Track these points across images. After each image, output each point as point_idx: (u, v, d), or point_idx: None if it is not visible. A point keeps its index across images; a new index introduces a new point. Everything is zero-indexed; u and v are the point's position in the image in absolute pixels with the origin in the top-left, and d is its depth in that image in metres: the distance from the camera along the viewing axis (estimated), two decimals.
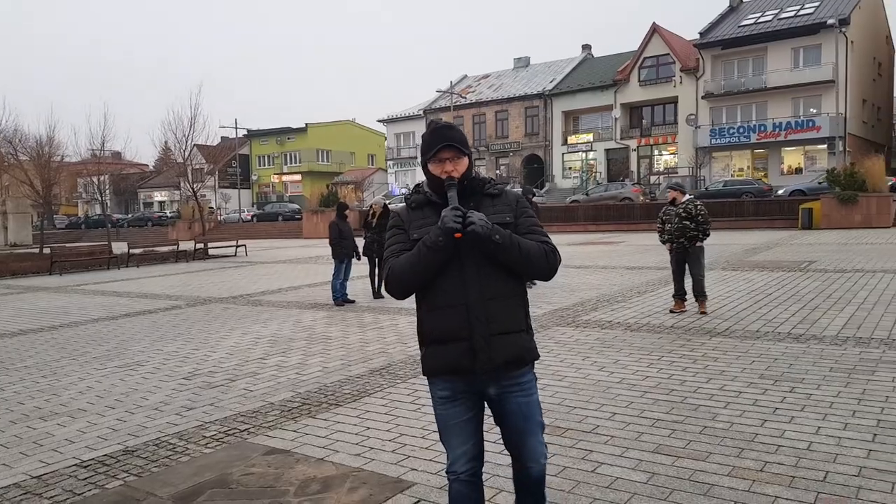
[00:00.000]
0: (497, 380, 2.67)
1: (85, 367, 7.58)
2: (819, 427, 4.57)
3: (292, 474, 4.22)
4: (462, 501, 2.78)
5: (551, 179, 49.43)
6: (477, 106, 53.52)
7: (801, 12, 40.11)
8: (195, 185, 41.49)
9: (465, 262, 2.59)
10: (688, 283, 9.18)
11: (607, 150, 47.78)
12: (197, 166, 46.76)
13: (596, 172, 47.92)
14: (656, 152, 46.45)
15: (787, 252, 16.98)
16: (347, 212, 12.40)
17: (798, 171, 39.69)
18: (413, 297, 2.74)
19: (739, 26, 41.70)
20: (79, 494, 4.10)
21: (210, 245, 26.70)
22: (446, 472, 2.80)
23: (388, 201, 31.69)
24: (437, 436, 4.67)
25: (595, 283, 12.61)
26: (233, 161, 61.98)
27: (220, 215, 53.79)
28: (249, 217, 53.04)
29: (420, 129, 57.01)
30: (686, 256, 9.08)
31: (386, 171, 61.96)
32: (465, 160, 2.69)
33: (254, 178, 71.44)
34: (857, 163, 27.98)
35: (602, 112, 47.82)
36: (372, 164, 70.42)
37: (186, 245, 26.32)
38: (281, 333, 9.09)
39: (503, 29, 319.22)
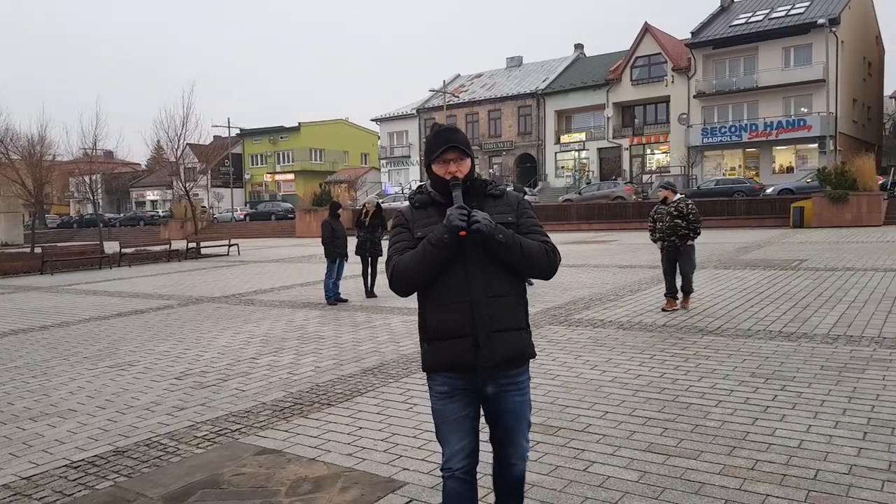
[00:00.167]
0: (495, 378, 2.72)
1: (76, 367, 7.54)
2: (810, 425, 4.58)
3: (284, 474, 4.21)
4: (457, 499, 2.79)
5: (544, 178, 49.50)
6: (470, 105, 53.51)
7: (792, 12, 40.28)
8: (187, 185, 41.42)
9: (469, 260, 2.66)
10: (678, 281, 9.27)
11: (600, 150, 47.87)
12: (189, 165, 46.65)
13: (588, 171, 48.02)
14: (648, 151, 46.56)
15: (778, 251, 17.05)
16: (340, 211, 12.37)
17: (790, 170, 39.87)
18: (410, 296, 2.79)
19: (730, 26, 41.84)
20: (69, 495, 4.07)
21: (202, 244, 26.60)
22: (441, 470, 2.82)
23: (381, 200, 31.64)
24: (429, 435, 4.69)
25: (587, 281, 12.62)
26: (225, 160, 61.77)
27: (213, 214, 53.60)
28: (242, 216, 52.87)
29: (413, 128, 57.03)
30: (677, 255, 9.16)
31: (379, 170, 61.86)
32: (468, 161, 2.77)
33: (246, 177, 71.21)
34: (848, 162, 28.10)
35: (594, 111, 47.91)
36: (365, 164, 70.30)
37: (179, 244, 26.21)
38: (273, 333, 9.07)
39: (495, 29, 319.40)
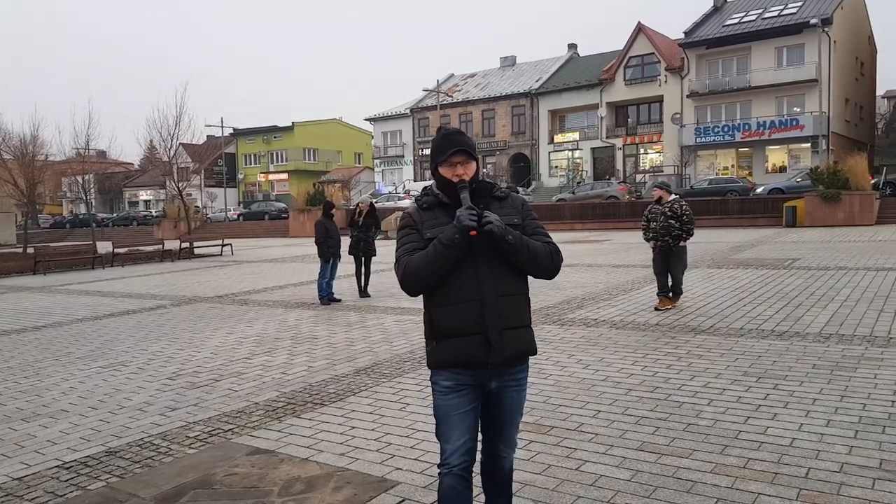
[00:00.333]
0: (500, 374, 2.81)
1: (68, 367, 7.51)
2: (801, 424, 4.60)
3: (276, 474, 4.20)
4: (454, 496, 2.83)
5: (538, 178, 49.54)
6: (463, 105, 53.53)
7: (785, 12, 40.40)
8: (181, 184, 41.32)
9: (479, 260, 2.73)
10: (670, 281, 9.34)
11: (593, 149, 47.96)
12: (182, 165, 46.51)
13: (582, 171, 48.09)
14: (642, 151, 46.68)
15: (771, 250, 17.11)
16: (334, 211, 12.36)
17: (782, 169, 39.98)
18: (408, 296, 2.88)
19: (724, 26, 41.95)
20: (61, 496, 4.06)
21: (196, 244, 26.52)
22: (439, 466, 2.85)
23: (374, 200, 31.67)
24: (422, 435, 4.69)
25: (581, 281, 12.64)
26: (219, 160, 61.63)
27: (206, 214, 53.47)
28: (235, 216, 52.69)
29: (407, 128, 57.01)
30: (670, 255, 9.22)
31: (373, 169, 61.85)
32: (474, 164, 2.84)
33: (240, 176, 71.05)
34: (841, 161, 28.23)
35: (588, 111, 48.00)
36: (359, 163, 70.24)
37: (172, 244, 26.10)
38: (266, 333, 9.05)
39: (489, 28, 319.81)
